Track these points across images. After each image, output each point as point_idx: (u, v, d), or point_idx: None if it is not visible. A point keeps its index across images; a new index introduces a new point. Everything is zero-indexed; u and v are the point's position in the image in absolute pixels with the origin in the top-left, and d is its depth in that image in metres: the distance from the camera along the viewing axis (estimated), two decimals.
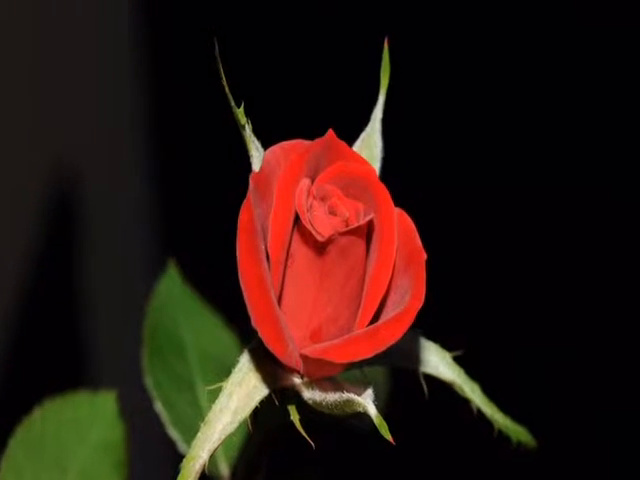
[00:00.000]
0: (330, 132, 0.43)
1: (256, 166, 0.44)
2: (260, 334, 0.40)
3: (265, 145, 0.44)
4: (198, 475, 0.42)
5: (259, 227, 0.40)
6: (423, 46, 1.58)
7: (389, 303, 0.43)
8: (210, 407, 0.42)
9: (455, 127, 1.61)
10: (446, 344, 0.47)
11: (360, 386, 0.42)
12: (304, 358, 0.42)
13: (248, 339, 0.44)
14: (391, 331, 0.41)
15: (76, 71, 1.52)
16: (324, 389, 0.43)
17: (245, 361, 0.43)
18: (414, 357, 0.47)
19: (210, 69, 0.45)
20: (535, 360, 1.55)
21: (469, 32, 1.60)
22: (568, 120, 1.59)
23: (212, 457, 0.42)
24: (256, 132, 0.44)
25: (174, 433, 0.60)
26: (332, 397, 0.42)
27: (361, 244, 0.43)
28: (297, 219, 0.42)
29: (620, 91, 1.57)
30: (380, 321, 0.42)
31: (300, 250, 0.42)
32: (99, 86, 1.55)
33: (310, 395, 0.43)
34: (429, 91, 1.60)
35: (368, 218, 0.42)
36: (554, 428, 1.43)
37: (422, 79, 1.57)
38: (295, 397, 0.43)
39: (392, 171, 0.49)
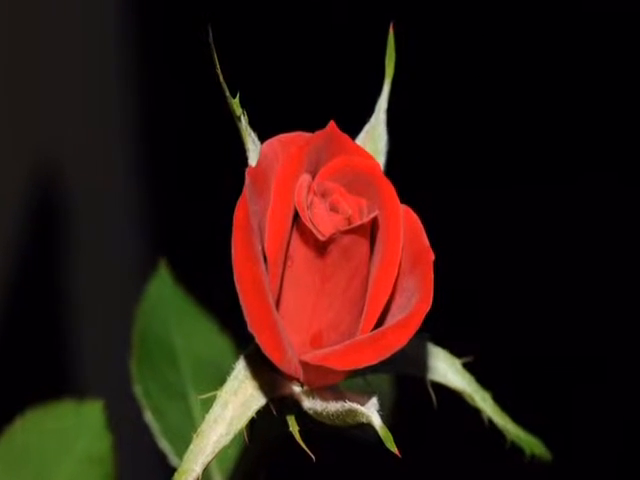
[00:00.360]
0: (331, 124, 0.43)
1: (252, 160, 0.44)
2: (257, 339, 0.40)
3: (262, 138, 0.44)
4: None
5: (256, 225, 0.40)
6: (429, 34, 1.58)
7: (394, 306, 0.43)
8: (203, 417, 0.42)
9: (463, 118, 1.61)
10: (455, 350, 0.47)
11: (364, 395, 0.42)
12: (304, 365, 0.42)
13: (244, 345, 0.44)
14: (396, 336, 0.41)
15: (61, 64, 1.52)
16: (325, 398, 0.43)
17: (241, 368, 0.43)
18: (421, 364, 0.47)
19: (203, 58, 0.44)
20: (551, 367, 1.55)
21: (474, 24, 1.61)
22: (573, 108, 1.59)
23: (206, 471, 0.42)
24: (252, 124, 0.44)
25: (165, 445, 0.60)
26: (334, 407, 0.42)
27: (364, 243, 0.43)
28: (296, 217, 0.42)
29: (626, 76, 1.58)
30: (385, 326, 0.42)
31: (299, 250, 0.42)
32: (85, 80, 1.55)
33: (310, 405, 0.43)
34: (436, 80, 1.60)
35: (372, 215, 0.42)
36: (570, 439, 1.43)
37: (428, 67, 1.57)
38: (294, 407, 0.43)
39: (398, 165, 0.49)
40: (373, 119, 0.47)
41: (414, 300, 0.42)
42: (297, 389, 0.43)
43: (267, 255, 0.41)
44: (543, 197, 1.59)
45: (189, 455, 0.42)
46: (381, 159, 0.47)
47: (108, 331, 1.51)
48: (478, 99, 1.61)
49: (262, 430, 0.46)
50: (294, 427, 0.43)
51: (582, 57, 1.59)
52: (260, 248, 0.41)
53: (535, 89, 1.60)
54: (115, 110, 1.58)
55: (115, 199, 1.59)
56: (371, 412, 0.40)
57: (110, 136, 1.58)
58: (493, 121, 1.61)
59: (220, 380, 0.43)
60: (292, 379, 0.43)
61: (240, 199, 0.40)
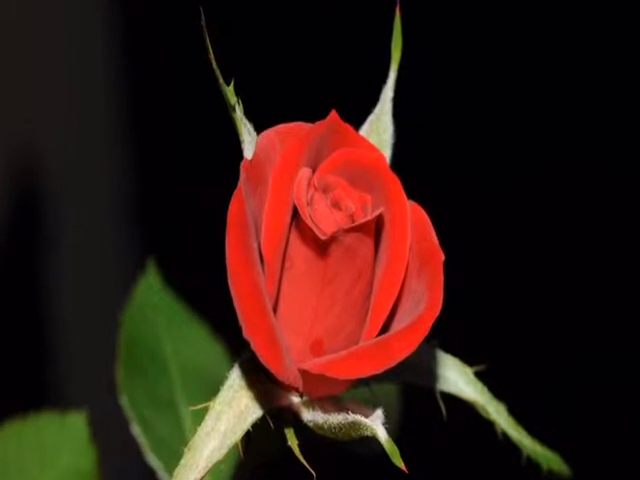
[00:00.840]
0: (333, 114, 0.43)
1: (248, 153, 0.44)
2: (253, 346, 0.40)
3: (258, 129, 0.44)
4: None
5: (251, 223, 0.40)
6: (437, 20, 1.58)
7: (401, 311, 0.43)
8: (195, 430, 0.42)
9: (473, 110, 1.61)
10: (467, 358, 0.47)
11: (368, 406, 0.42)
12: (303, 374, 0.42)
13: (239, 352, 0.44)
14: (403, 343, 0.41)
15: (44, 53, 1.53)
16: (326, 410, 0.43)
17: (235, 377, 0.43)
18: (430, 373, 0.47)
19: (195, 43, 0.44)
20: (569, 375, 1.55)
21: (481, 19, 1.62)
22: (569, 103, 1.61)
23: None
24: (248, 114, 0.44)
25: (153, 460, 0.60)
26: (336, 419, 0.42)
27: (369, 242, 0.43)
28: (295, 214, 0.42)
29: (622, 70, 1.60)
30: (391, 332, 0.42)
31: (299, 250, 0.42)
32: (70, 70, 1.55)
33: (310, 417, 0.43)
34: (446, 67, 1.60)
35: (377, 212, 0.42)
36: (590, 455, 1.43)
37: (437, 52, 1.57)
38: (293, 419, 0.43)
39: (404, 159, 0.49)
40: (378, 109, 0.47)
41: (422, 304, 0.41)
42: (296, 400, 0.43)
43: (264, 255, 0.41)
44: (554, 193, 1.60)
45: (180, 471, 0.42)
46: (387, 151, 0.47)
47: (92, 337, 1.51)
48: (484, 92, 1.61)
49: (258, 444, 0.46)
50: (293, 441, 0.43)
51: (578, 55, 1.61)
52: (256, 247, 0.41)
53: (537, 84, 1.62)
54: (99, 100, 1.58)
55: (100, 195, 1.59)
56: (376, 425, 0.40)
57: (94, 126, 1.58)
58: (501, 117, 1.62)
59: (213, 390, 0.43)
60: (291, 389, 0.43)
61: (235, 194, 0.40)
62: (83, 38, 1.56)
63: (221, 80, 0.43)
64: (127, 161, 1.60)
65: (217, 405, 0.42)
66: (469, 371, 0.47)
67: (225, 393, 0.43)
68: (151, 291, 0.66)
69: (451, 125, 1.61)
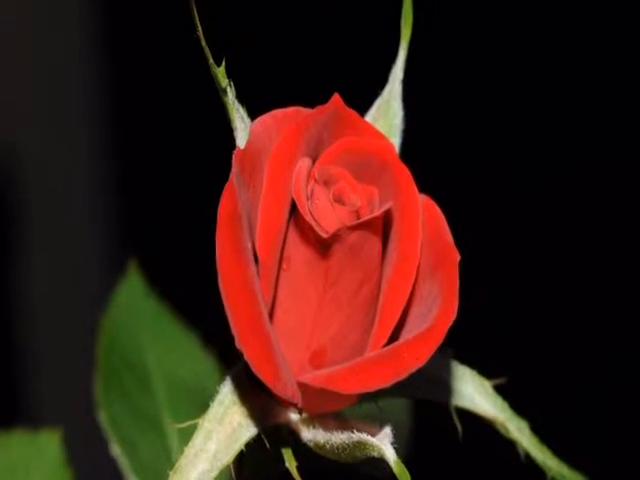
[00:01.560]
0: (336, 97, 0.43)
1: (241, 141, 0.44)
2: (246, 357, 0.40)
3: (253, 114, 0.44)
4: None
5: (245, 219, 0.40)
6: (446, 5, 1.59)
7: (411, 317, 0.43)
8: (182, 450, 0.42)
9: (484, 92, 1.62)
10: (485, 370, 0.47)
11: (375, 424, 0.42)
12: (303, 388, 0.42)
13: (231, 363, 0.44)
14: (414, 353, 0.41)
15: (26, 52, 1.53)
16: (328, 428, 0.43)
17: (227, 392, 0.43)
18: (444, 386, 0.47)
19: (183, 20, 0.44)
20: (598, 389, 1.55)
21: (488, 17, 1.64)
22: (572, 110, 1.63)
23: None
24: (241, 98, 0.44)
25: None
26: (339, 438, 0.42)
27: (376, 241, 0.43)
28: (294, 209, 0.42)
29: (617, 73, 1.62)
30: (400, 341, 0.42)
31: (298, 249, 0.42)
32: (47, 59, 1.56)
33: (310, 435, 0.43)
34: (457, 51, 1.61)
35: (385, 208, 0.42)
36: (621, 477, 1.43)
37: (447, 36, 1.58)
38: (291, 438, 0.43)
39: (416, 148, 0.49)
40: (386, 92, 0.47)
41: (435, 310, 0.41)
42: (294, 417, 0.43)
43: (259, 255, 0.41)
44: (568, 192, 1.61)
45: None
46: (396, 140, 0.47)
47: (68, 346, 1.52)
48: (496, 76, 1.62)
49: (253, 466, 0.46)
50: (291, 462, 0.43)
51: (579, 52, 1.63)
52: (250, 246, 0.41)
53: (540, 78, 1.63)
54: (79, 89, 1.58)
55: (77, 189, 1.59)
56: (384, 444, 0.40)
57: (72, 116, 1.59)
58: (512, 103, 1.63)
59: (202, 406, 0.43)
60: (288, 405, 0.43)
61: (226, 188, 0.40)
62: (64, 35, 1.57)
63: (211, 61, 0.43)
64: (108, 153, 1.60)
65: (206, 423, 0.42)
66: (487, 384, 0.47)
67: (215, 409, 0.43)
68: (133, 296, 0.66)
69: (462, 113, 1.61)
